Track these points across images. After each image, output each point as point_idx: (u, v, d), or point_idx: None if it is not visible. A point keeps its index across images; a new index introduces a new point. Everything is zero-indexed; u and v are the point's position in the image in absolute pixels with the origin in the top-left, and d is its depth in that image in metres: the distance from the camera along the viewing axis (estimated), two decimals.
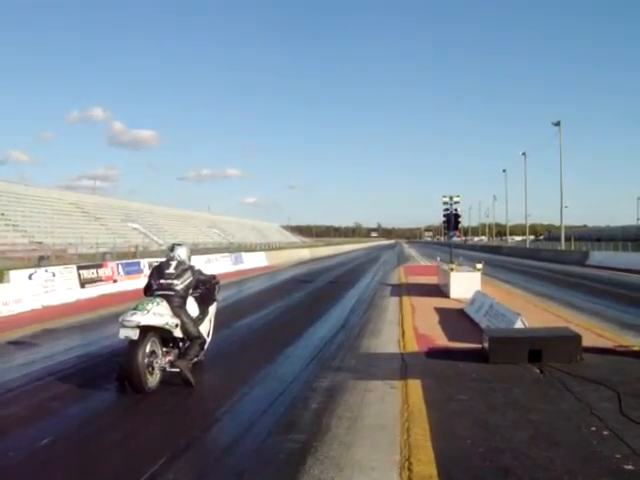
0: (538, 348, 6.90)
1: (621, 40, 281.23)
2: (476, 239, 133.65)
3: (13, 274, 14.16)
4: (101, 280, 17.63)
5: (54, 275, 15.28)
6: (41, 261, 26.46)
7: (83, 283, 16.48)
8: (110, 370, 6.59)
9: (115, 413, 5.44)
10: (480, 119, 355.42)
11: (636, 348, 7.71)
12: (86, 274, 16.84)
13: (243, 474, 3.90)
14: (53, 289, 14.99)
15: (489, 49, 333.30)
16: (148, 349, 5.84)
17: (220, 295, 7.73)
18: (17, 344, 9.02)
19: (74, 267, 16.76)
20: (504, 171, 74.77)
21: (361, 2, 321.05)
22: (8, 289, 13.03)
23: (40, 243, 37.12)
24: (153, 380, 5.89)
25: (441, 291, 15.81)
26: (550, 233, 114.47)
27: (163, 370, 6.09)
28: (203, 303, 7.12)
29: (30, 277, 14.44)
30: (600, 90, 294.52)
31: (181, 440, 4.54)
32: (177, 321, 6.24)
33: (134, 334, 5.70)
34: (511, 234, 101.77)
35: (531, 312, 10.64)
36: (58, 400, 5.74)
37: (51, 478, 3.96)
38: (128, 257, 27.66)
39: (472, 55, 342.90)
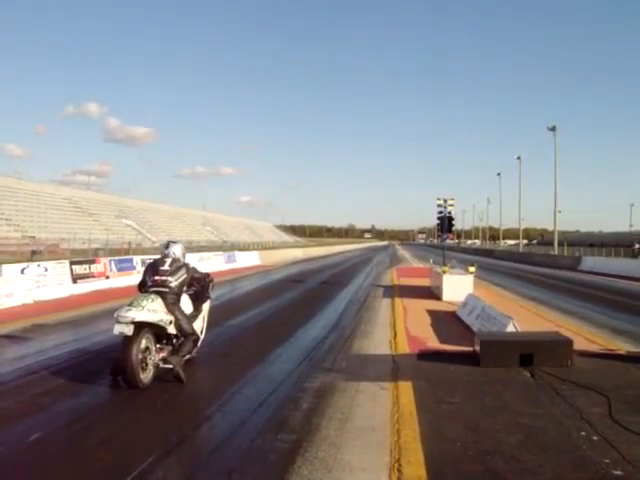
0: (529, 352, 6.92)
1: (617, 47, 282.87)
2: (469, 242, 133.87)
3: (5, 268, 14.08)
4: (93, 276, 17.55)
5: (46, 270, 15.21)
6: (34, 256, 26.39)
7: (75, 279, 16.41)
8: (101, 366, 6.58)
9: (105, 410, 5.41)
10: (476, 123, 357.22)
11: (622, 352, 7.78)
12: (78, 270, 16.77)
13: (232, 473, 3.88)
14: (45, 284, 14.92)
15: (487, 52, 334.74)
16: (142, 345, 5.84)
17: (213, 293, 7.72)
18: (7, 338, 8.95)
19: (67, 262, 16.68)
20: (498, 175, 74.92)
21: (361, 6, 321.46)
22: (0, 283, 12.95)
23: (33, 237, 36.99)
24: (146, 376, 5.89)
25: (433, 293, 15.82)
26: (543, 237, 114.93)
27: (156, 366, 6.09)
28: (197, 300, 7.13)
29: (22, 271, 14.37)
30: (596, 96, 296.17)
31: (171, 438, 4.53)
32: (171, 318, 6.24)
33: (128, 330, 5.70)
34: (504, 238, 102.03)
35: (523, 316, 10.68)
36: (48, 395, 5.70)
37: (40, 474, 3.93)
38: (121, 254, 27.62)
39: (469, 58, 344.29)
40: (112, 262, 19.14)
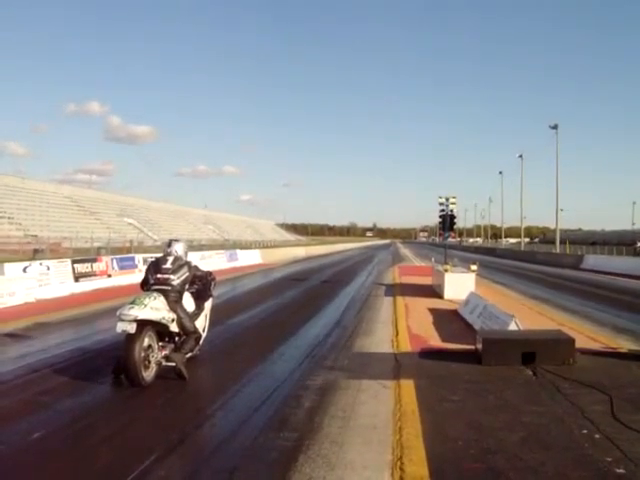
0: (531, 350, 6.91)
1: (619, 45, 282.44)
2: (471, 240, 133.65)
3: (7, 267, 14.10)
4: (95, 274, 17.57)
5: (48, 269, 15.23)
6: (36, 254, 26.39)
7: (77, 277, 16.43)
8: (102, 364, 6.59)
9: (107, 408, 5.42)
10: (478, 121, 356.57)
11: (624, 350, 7.78)
12: (80, 268, 16.79)
13: (234, 471, 3.89)
14: (47, 283, 14.94)
15: (488, 50, 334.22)
16: (145, 343, 5.86)
17: (214, 292, 7.73)
18: (10, 337, 8.97)
19: (69, 261, 16.70)
20: (500, 173, 74.72)
21: (363, 8, 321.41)
22: (2, 282, 12.96)
23: (35, 236, 37.00)
24: (149, 374, 5.92)
25: (435, 292, 15.81)
26: (545, 236, 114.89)
27: (159, 364, 6.11)
28: (199, 298, 7.16)
29: (24, 270, 14.39)
30: (597, 95, 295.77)
31: (173, 436, 4.53)
32: (173, 316, 6.27)
33: (131, 328, 5.72)
34: (506, 236, 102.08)
35: (525, 314, 10.66)
36: (50, 394, 5.71)
37: (41, 472, 3.93)
38: (123, 252, 27.61)
39: (471, 56, 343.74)
40: (114, 260, 19.17)
